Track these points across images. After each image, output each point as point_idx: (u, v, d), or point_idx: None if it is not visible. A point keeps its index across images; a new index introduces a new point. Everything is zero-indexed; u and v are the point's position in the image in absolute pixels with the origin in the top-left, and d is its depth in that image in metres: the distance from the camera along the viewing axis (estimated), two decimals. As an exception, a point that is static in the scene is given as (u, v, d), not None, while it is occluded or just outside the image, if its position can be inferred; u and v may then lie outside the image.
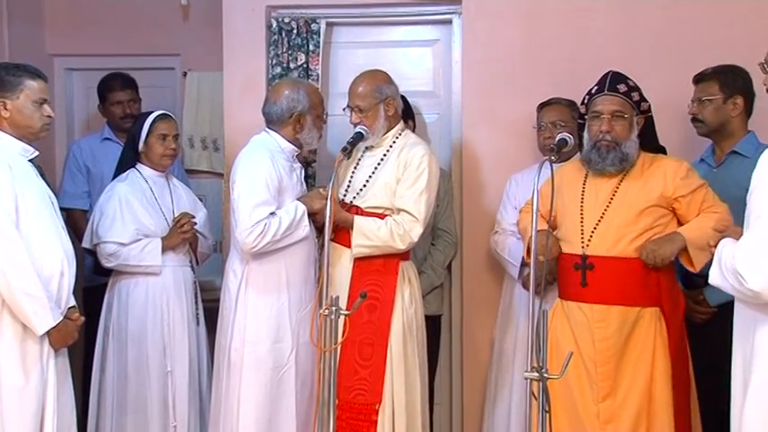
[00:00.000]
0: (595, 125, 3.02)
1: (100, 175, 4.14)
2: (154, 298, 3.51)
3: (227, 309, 3.28)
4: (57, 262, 2.78)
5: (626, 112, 3.02)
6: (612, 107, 3.02)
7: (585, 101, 3.10)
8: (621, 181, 3.04)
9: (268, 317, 3.24)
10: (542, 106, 3.63)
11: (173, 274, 3.55)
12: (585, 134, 3.07)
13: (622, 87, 3.04)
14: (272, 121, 3.37)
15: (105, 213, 3.52)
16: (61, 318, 2.77)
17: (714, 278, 2.28)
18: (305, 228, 3.25)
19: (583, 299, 3.00)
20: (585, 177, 3.10)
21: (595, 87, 3.07)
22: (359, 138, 3.29)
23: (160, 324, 3.50)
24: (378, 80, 3.33)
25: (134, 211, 3.53)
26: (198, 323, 3.63)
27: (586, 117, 3.08)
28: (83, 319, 2.92)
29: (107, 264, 3.52)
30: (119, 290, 3.54)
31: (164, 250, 3.52)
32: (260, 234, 3.14)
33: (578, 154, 3.22)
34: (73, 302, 2.88)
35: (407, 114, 3.77)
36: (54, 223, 2.85)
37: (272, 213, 3.19)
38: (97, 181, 4.15)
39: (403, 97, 3.56)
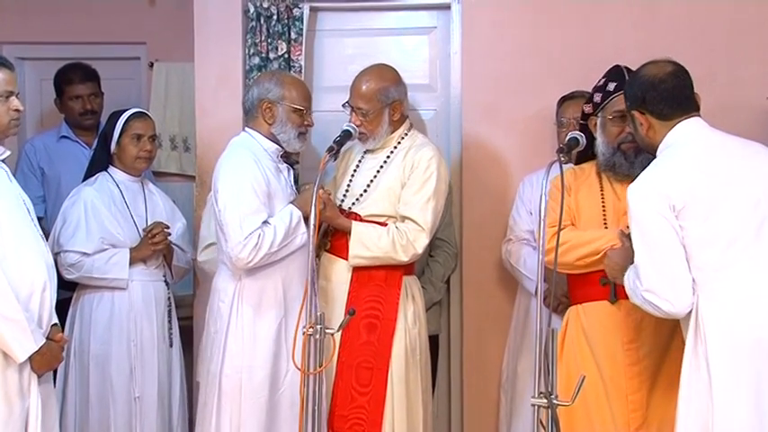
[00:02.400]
0: (617, 126, 3.01)
1: (56, 177, 4.13)
2: (120, 315, 3.50)
3: (218, 332, 3.23)
4: (38, 276, 2.77)
5: None
6: None
7: (597, 99, 3.09)
8: None
9: (265, 338, 3.20)
10: (564, 100, 3.64)
11: (142, 288, 3.55)
12: (600, 136, 3.05)
13: None
14: (246, 113, 3.35)
15: (68, 220, 3.53)
16: (44, 340, 2.75)
17: (633, 300, 2.68)
18: (303, 235, 3.20)
19: (611, 317, 2.97)
20: (601, 182, 3.09)
21: (612, 84, 3.05)
22: (347, 136, 3.28)
23: (126, 344, 3.49)
24: (385, 80, 3.29)
25: (101, 218, 3.53)
26: (171, 344, 3.62)
27: (597, 116, 3.07)
28: (67, 338, 2.91)
29: (68, 275, 3.51)
30: (82, 305, 3.54)
31: (132, 262, 3.52)
32: (255, 247, 3.09)
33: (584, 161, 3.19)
34: (55, 319, 2.86)
35: None
36: (33, 232, 2.83)
37: (266, 222, 3.16)
38: (53, 184, 4.13)
39: None
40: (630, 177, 2.98)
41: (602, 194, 3.07)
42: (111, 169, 3.65)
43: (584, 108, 3.16)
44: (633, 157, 2.99)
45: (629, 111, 2.79)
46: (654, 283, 2.57)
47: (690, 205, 2.56)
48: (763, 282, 2.55)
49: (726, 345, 2.53)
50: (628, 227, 2.93)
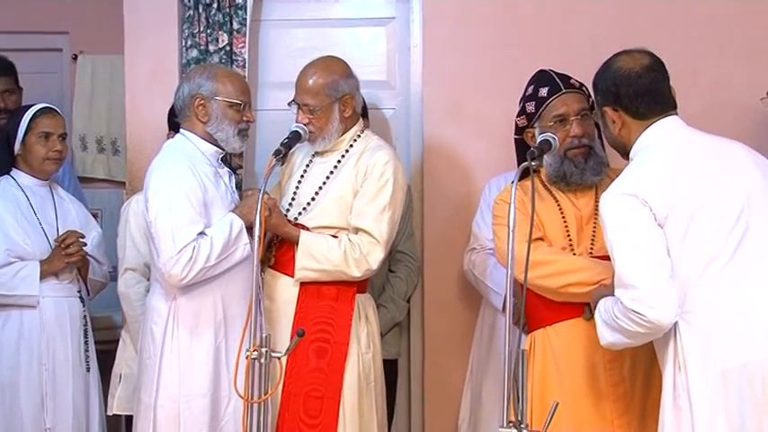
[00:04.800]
0: (560, 132, 3.04)
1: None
2: (29, 336, 3.47)
3: (151, 358, 3.21)
4: None
5: (589, 110, 3.09)
6: (578, 105, 3.05)
7: (531, 108, 3.11)
8: (597, 195, 3.05)
9: (204, 363, 3.19)
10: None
11: (55, 306, 3.53)
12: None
13: (575, 82, 3.11)
14: (179, 114, 3.35)
15: None
16: None
17: (606, 336, 2.65)
18: (244, 246, 3.18)
19: (588, 335, 2.95)
20: (553, 195, 3.12)
21: (545, 89, 3.09)
22: (295, 138, 3.26)
23: (37, 369, 3.47)
24: (333, 73, 3.29)
25: (5, 227, 3.50)
26: (88, 368, 3.60)
27: (534, 127, 3.10)
28: None
29: None
30: (-16, 327, 3.51)
31: (43, 276, 3.49)
32: (189, 261, 3.08)
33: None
34: None
35: (363, 112, 3.77)
36: None
37: (201, 233, 3.13)
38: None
39: None
40: (583, 185, 3.06)
41: (559, 207, 3.09)
42: (15, 172, 3.62)
43: (517, 121, 3.19)
44: (584, 164, 3.03)
45: (600, 107, 2.78)
46: (640, 289, 2.52)
47: (671, 217, 2.56)
48: (745, 300, 2.54)
49: (708, 373, 2.52)
50: None
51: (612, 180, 3.07)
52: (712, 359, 2.52)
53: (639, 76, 2.69)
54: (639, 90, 2.68)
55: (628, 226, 2.58)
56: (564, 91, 3.07)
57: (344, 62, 3.37)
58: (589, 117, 3.07)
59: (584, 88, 3.12)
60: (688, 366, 2.54)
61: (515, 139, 3.23)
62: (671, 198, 2.57)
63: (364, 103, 3.83)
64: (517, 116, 3.19)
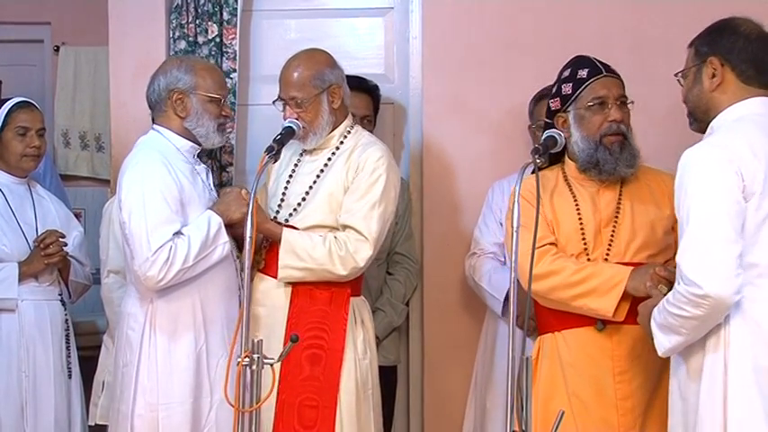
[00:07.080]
0: (599, 115, 3.05)
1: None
2: (8, 342, 3.48)
3: (128, 365, 3.20)
4: None
5: (627, 99, 3.09)
6: (618, 91, 3.06)
7: (567, 90, 3.10)
8: (621, 191, 3.09)
9: (184, 369, 3.18)
10: (540, 98, 3.61)
11: (35, 310, 3.54)
12: (577, 131, 3.06)
13: (614, 70, 3.11)
14: (153, 108, 3.34)
15: None
16: None
17: (663, 343, 2.55)
18: (224, 245, 3.19)
19: (599, 345, 2.99)
20: (571, 190, 3.12)
21: (584, 71, 3.10)
22: (289, 134, 3.25)
23: (17, 376, 3.47)
24: (318, 63, 3.31)
25: (-19, 228, 3.51)
26: (70, 375, 3.61)
27: (568, 111, 3.09)
28: None
29: None
30: (-39, 332, 3.49)
31: (22, 278, 3.50)
32: (166, 263, 3.08)
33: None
34: None
35: (375, 111, 3.85)
36: None
37: (178, 233, 3.13)
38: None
39: (375, 86, 3.77)
40: (615, 176, 3.04)
41: (576, 204, 3.09)
42: None
43: (550, 104, 3.17)
44: (618, 153, 3.01)
45: (705, 57, 2.66)
46: (706, 261, 2.41)
47: (758, 195, 2.46)
48: None
49: (750, 370, 2.46)
50: (662, 269, 2.82)
51: (640, 177, 3.07)
52: (759, 360, 2.45)
53: (758, 39, 2.63)
54: (756, 52, 2.62)
55: (714, 188, 2.45)
56: (604, 74, 3.08)
57: (327, 53, 3.38)
58: (626, 106, 3.07)
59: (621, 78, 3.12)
60: (729, 362, 2.46)
61: (545, 122, 3.20)
62: (764, 175, 2.46)
63: (377, 102, 3.86)
64: (550, 99, 3.17)
